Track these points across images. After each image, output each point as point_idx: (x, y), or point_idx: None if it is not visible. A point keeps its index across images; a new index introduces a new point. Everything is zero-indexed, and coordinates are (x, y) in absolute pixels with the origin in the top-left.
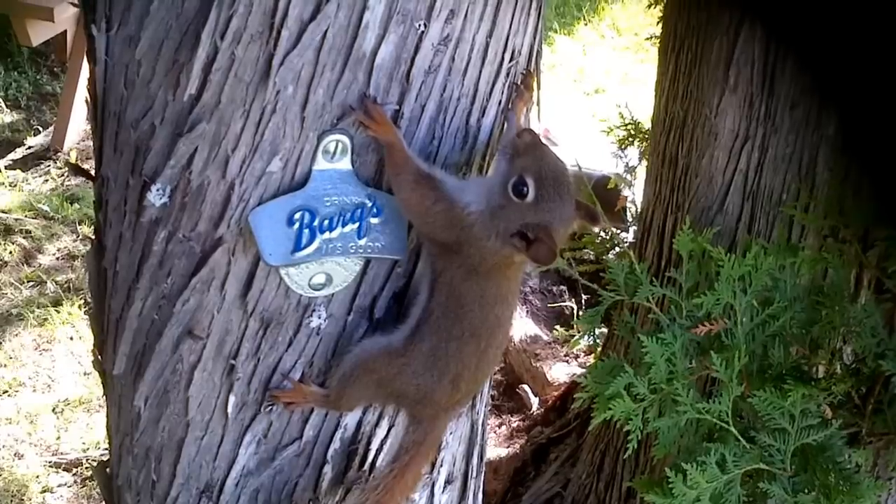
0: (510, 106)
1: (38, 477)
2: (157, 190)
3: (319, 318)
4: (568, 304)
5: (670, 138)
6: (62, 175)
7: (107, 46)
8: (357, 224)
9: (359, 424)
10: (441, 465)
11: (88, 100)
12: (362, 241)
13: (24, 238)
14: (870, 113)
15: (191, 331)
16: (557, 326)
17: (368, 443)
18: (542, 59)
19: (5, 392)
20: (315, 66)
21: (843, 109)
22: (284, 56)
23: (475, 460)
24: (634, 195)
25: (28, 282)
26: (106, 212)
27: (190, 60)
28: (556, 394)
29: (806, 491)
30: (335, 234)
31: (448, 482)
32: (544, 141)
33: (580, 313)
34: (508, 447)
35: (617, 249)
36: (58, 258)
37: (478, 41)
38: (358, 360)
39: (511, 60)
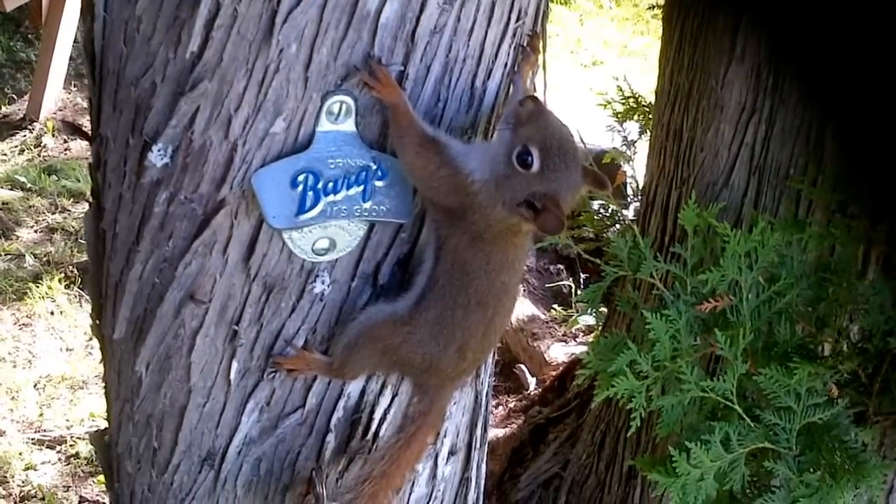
0: (516, 69)
1: (20, 454)
2: (159, 150)
3: (323, 283)
4: (566, 283)
5: (675, 110)
6: (39, 145)
7: (105, 2)
8: (362, 187)
9: (362, 393)
10: (444, 436)
11: (83, 58)
12: (367, 204)
13: (1, 210)
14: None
15: (193, 295)
16: (555, 306)
17: (372, 412)
18: (547, 19)
19: None
20: (319, 24)
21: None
22: (288, 13)
23: (479, 431)
24: (634, 171)
25: (6, 255)
26: (104, 172)
27: (191, 17)
28: (554, 374)
29: (811, 470)
30: (340, 196)
31: (451, 453)
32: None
33: (579, 292)
34: (506, 427)
35: (617, 227)
36: (36, 231)
37: (483, 1)
38: (362, 329)
39: (518, 21)
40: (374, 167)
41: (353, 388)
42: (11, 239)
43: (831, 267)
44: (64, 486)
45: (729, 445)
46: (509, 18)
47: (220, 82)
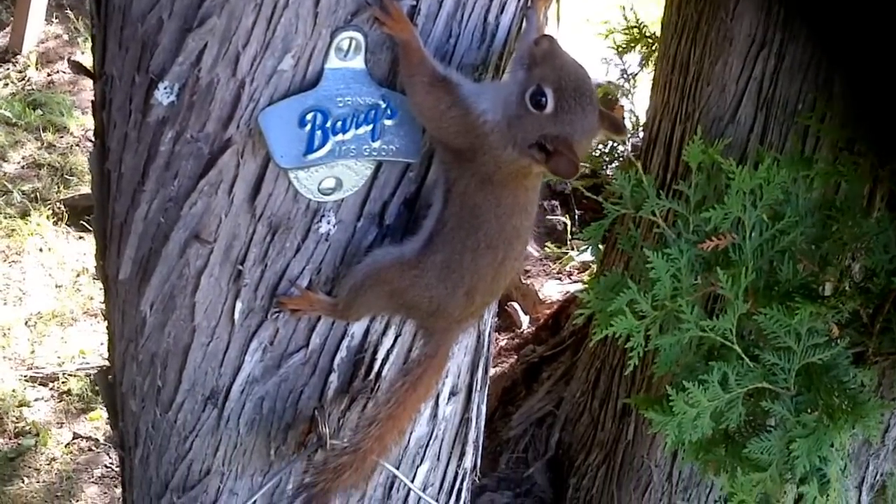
0: (529, 3)
1: (14, 392)
2: (165, 88)
3: (328, 223)
4: (560, 219)
5: (682, 42)
6: (23, 79)
7: None
8: (371, 126)
9: (366, 333)
10: (446, 377)
11: None
12: (376, 144)
13: None
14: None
15: (198, 235)
16: (549, 243)
17: (375, 352)
18: None
19: None
20: None
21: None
22: None
23: (480, 372)
24: (633, 105)
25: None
26: (110, 111)
27: None
28: (548, 312)
29: (808, 410)
30: (348, 135)
31: (453, 394)
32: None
33: (573, 229)
34: (497, 366)
35: (616, 163)
36: (23, 167)
37: None
38: (369, 271)
39: None
40: (384, 105)
41: (357, 328)
42: None
43: (836, 205)
44: (57, 423)
45: (726, 385)
46: None
47: (229, 18)
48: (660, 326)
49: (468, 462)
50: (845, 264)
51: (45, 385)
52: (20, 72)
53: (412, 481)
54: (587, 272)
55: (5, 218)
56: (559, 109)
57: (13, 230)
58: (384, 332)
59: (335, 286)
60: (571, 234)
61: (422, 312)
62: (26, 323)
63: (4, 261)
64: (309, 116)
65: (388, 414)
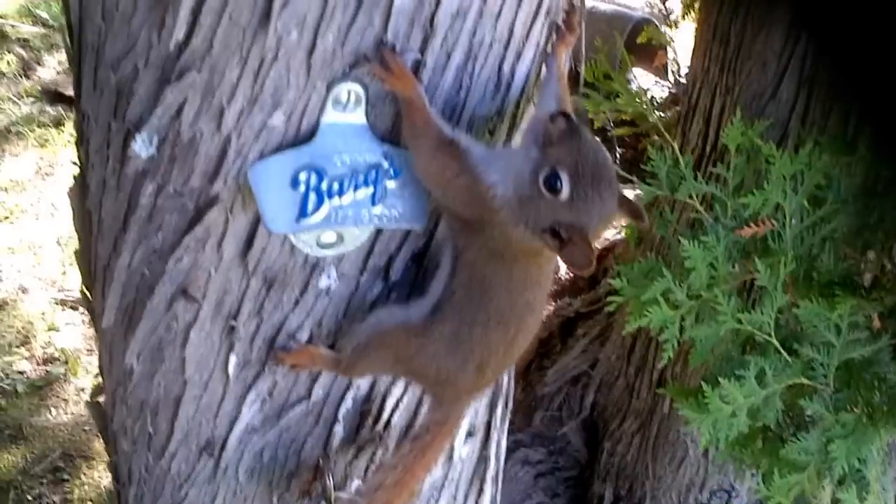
0: (549, 49)
1: (44, 314)
2: (143, 140)
3: (329, 277)
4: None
5: (723, 11)
6: None
7: None
8: (371, 188)
9: (373, 383)
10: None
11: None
12: (377, 209)
13: (21, 48)
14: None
15: (185, 290)
16: None
17: (383, 401)
18: None
19: (6, 219)
20: (323, 8)
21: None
22: None
23: (499, 410)
24: (676, 54)
25: (27, 97)
26: (88, 150)
27: None
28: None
29: (848, 408)
30: (346, 199)
31: (469, 434)
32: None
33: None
34: None
35: (657, 113)
36: (58, 72)
37: None
38: (373, 333)
39: None
40: (386, 165)
41: (364, 379)
42: (33, 80)
43: (878, 190)
44: (87, 350)
45: (763, 380)
46: None
47: (211, 72)
48: (696, 316)
49: (486, 499)
50: (890, 253)
51: (74, 309)
52: None
53: None
54: (625, 231)
55: (38, 127)
56: (575, 196)
57: (46, 140)
58: (393, 382)
59: (338, 339)
60: None
61: (429, 381)
62: (58, 242)
63: (36, 173)
64: (302, 176)
65: (395, 480)
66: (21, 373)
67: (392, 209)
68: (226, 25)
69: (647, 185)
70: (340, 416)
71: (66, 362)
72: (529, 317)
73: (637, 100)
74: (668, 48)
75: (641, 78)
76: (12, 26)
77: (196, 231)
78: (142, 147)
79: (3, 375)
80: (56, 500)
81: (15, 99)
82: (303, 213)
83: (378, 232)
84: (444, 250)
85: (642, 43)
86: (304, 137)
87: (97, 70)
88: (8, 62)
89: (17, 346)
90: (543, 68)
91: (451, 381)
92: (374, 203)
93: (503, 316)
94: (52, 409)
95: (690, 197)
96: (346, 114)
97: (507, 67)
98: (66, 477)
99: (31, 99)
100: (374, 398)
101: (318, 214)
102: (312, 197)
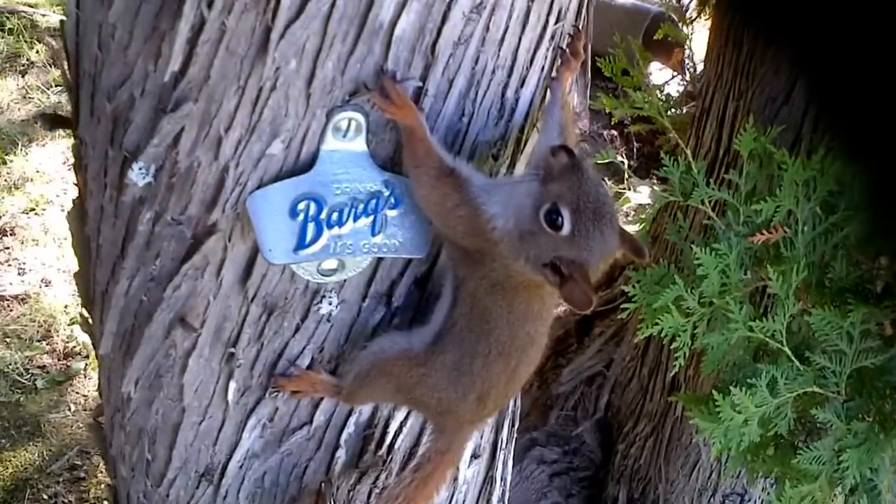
0: (554, 74)
1: (66, 308)
2: (140, 169)
3: (330, 304)
4: (619, 158)
5: (736, 18)
6: None
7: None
8: (371, 217)
9: (375, 408)
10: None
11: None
12: (377, 238)
13: (51, 37)
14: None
15: (183, 318)
16: (606, 179)
17: (386, 426)
18: (593, 6)
19: (32, 210)
20: (322, 37)
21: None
22: (285, 28)
23: (505, 431)
24: (692, 52)
25: (56, 86)
26: (85, 177)
27: (172, 28)
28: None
29: (860, 417)
30: (345, 229)
31: (475, 456)
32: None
33: (632, 163)
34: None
35: (673, 110)
36: None
37: (518, 5)
38: (375, 360)
39: (557, 22)
40: (387, 193)
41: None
42: (62, 69)
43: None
44: None
45: (775, 389)
46: (547, 21)
47: (208, 102)
48: (707, 323)
49: None
50: None
51: None
52: None
53: None
54: (644, 214)
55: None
56: (576, 233)
57: None
58: (396, 406)
59: (340, 364)
60: (629, 170)
61: (431, 410)
62: None
63: (63, 163)
64: (301, 206)
65: None
66: (41, 367)
67: (392, 238)
68: (223, 55)
69: (660, 193)
70: (343, 441)
71: (87, 357)
72: (531, 349)
73: (650, 98)
74: (685, 45)
75: (659, 74)
76: (42, 15)
77: (194, 259)
78: (139, 175)
79: (22, 370)
80: (72, 499)
81: (44, 88)
82: (301, 243)
83: (380, 258)
84: (445, 280)
85: (659, 38)
86: (303, 166)
87: (94, 98)
88: (37, 51)
89: (38, 341)
90: (548, 94)
91: (453, 412)
92: (374, 233)
93: (504, 348)
94: (71, 404)
95: (703, 203)
96: (347, 142)
97: (510, 93)
98: (82, 475)
99: (59, 88)
100: (377, 423)
101: (317, 245)
102: (311, 227)
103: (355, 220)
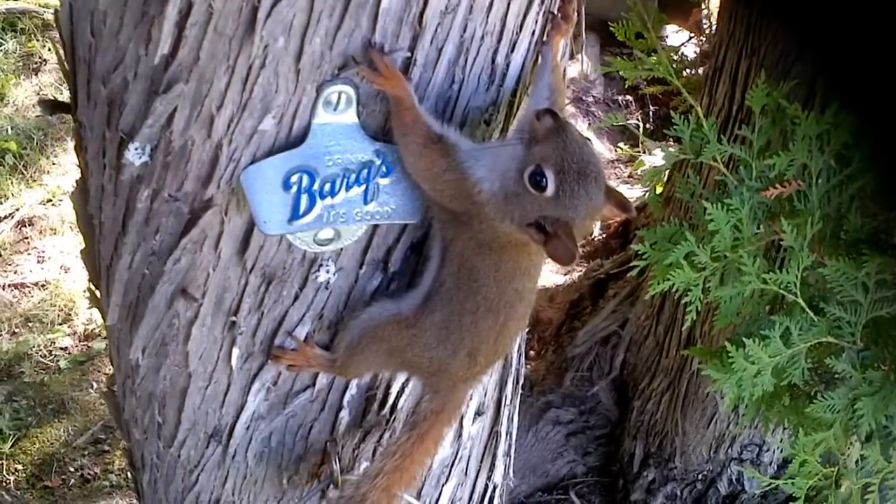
0: (545, 38)
1: (85, 292)
2: (136, 149)
3: (328, 272)
4: (633, 120)
5: None
6: None
7: None
8: (363, 187)
9: None
10: (470, 398)
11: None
12: (369, 206)
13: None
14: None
15: (185, 290)
16: (622, 143)
17: (388, 386)
18: None
19: (49, 201)
20: (309, 14)
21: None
22: (271, 7)
23: (509, 387)
24: (710, 10)
25: None
26: (86, 158)
27: (161, 13)
28: (618, 219)
29: (875, 366)
30: (338, 199)
31: (478, 413)
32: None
33: (648, 126)
34: (566, 275)
35: (688, 70)
36: None
37: None
38: (365, 328)
39: None
40: (378, 162)
41: None
42: None
43: None
44: None
45: (789, 340)
46: None
47: (199, 82)
48: (720, 277)
49: (498, 475)
50: None
51: None
52: None
53: (437, 500)
54: (657, 184)
55: None
56: (560, 193)
57: None
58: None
59: (333, 342)
60: (644, 133)
61: (423, 371)
62: None
63: None
64: (294, 178)
65: (394, 466)
66: (63, 349)
67: (385, 206)
68: (211, 36)
69: (671, 151)
70: (346, 402)
71: (107, 337)
72: (519, 305)
73: (663, 60)
74: (702, 4)
75: (676, 36)
76: (55, 13)
77: (192, 233)
78: (135, 155)
79: (46, 352)
80: (97, 471)
81: (57, 85)
82: (295, 214)
83: (375, 225)
84: (432, 246)
85: (679, 2)
86: (295, 140)
87: (90, 82)
88: (49, 49)
89: (60, 324)
90: (539, 58)
91: (444, 370)
92: (366, 202)
93: (492, 304)
94: (94, 383)
95: (714, 160)
96: (337, 115)
97: (500, 59)
98: (106, 448)
99: None
100: (379, 384)
101: (311, 215)
102: (304, 198)
103: (347, 189)
